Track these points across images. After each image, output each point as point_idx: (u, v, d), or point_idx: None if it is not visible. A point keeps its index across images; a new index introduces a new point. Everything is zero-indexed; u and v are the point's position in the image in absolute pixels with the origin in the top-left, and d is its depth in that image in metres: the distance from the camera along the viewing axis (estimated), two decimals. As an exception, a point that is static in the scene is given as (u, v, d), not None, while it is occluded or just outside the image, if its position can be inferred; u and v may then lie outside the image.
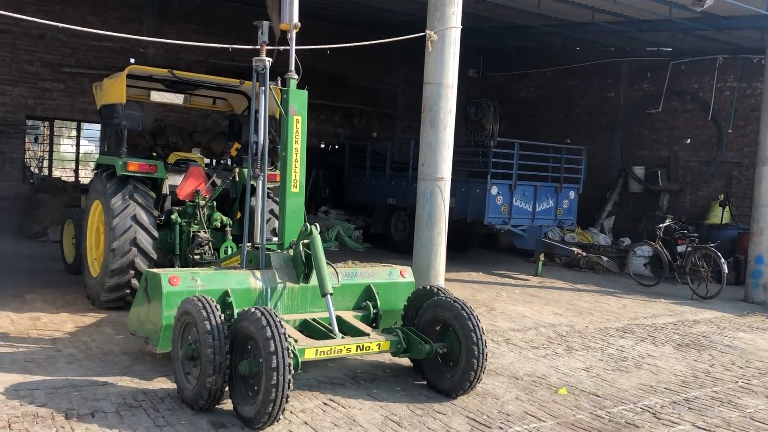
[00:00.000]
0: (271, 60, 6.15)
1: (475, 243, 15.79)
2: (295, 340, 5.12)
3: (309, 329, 5.74)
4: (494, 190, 13.06)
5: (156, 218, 7.62)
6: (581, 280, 12.69)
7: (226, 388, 4.80)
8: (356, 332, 5.71)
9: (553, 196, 14.05)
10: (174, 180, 8.12)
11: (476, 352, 5.36)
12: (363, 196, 16.15)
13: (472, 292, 10.58)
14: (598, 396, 5.87)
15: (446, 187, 7.40)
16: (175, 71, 8.18)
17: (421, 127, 7.44)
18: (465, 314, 5.46)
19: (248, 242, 6.29)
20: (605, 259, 14.33)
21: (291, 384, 4.47)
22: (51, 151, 16.13)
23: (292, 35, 6.21)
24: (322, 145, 19.26)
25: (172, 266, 7.81)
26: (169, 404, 4.98)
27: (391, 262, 6.98)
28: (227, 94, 9.42)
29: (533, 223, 13.67)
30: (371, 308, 6.19)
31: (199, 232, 7.94)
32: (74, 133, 17.47)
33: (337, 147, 18.54)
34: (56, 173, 16.66)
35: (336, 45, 7.45)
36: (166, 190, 8.01)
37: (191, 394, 4.84)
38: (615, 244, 15.34)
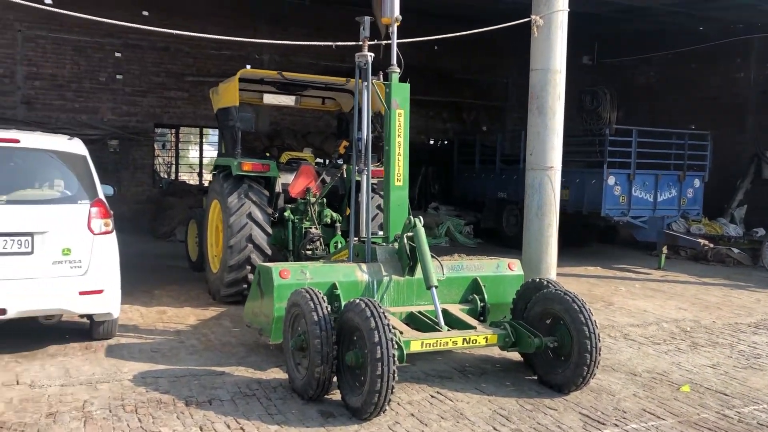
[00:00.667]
0: (373, 55, 6.20)
1: (593, 237, 15.19)
2: (401, 332, 5.13)
3: (415, 322, 5.73)
4: (611, 180, 12.51)
5: (270, 215, 7.89)
6: (709, 274, 11.89)
7: (335, 379, 4.89)
8: (463, 325, 5.64)
9: (675, 185, 13.26)
10: (286, 178, 8.38)
11: (589, 346, 5.14)
12: (473, 191, 15.99)
13: (589, 287, 10.18)
14: (726, 395, 5.47)
15: (556, 176, 7.16)
16: (284, 72, 8.43)
17: (528, 115, 7.25)
18: (576, 307, 5.25)
19: (355, 236, 6.38)
20: (736, 251, 13.35)
21: (396, 375, 4.48)
22: (177, 157, 17.14)
23: (394, 29, 6.23)
24: (431, 142, 19.26)
25: (286, 261, 8.06)
26: (281, 393, 5.13)
27: (502, 257, 6.85)
28: (335, 93, 9.60)
29: (654, 214, 12.97)
30: (478, 301, 6.09)
31: (311, 228, 8.15)
32: (198, 138, 18.47)
33: (446, 142, 18.47)
34: (182, 177, 17.70)
35: (441, 36, 7.42)
36: (278, 188, 8.28)
37: (301, 384, 4.97)
38: (747, 235, 14.26)
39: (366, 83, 6.20)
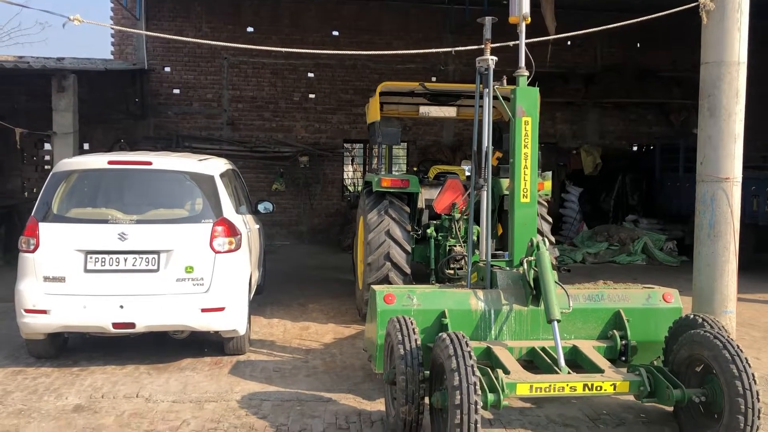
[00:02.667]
0: (495, 59, 5.63)
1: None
2: (507, 372, 4.50)
3: (537, 359, 5.04)
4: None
5: (410, 233, 7.58)
6: None
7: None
8: (591, 367, 4.83)
9: None
10: (432, 194, 8.02)
11: (742, 406, 4.08)
12: (677, 202, 14.21)
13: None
14: None
15: (734, 189, 5.94)
16: (426, 83, 8.09)
17: (698, 117, 6.11)
18: (727, 355, 4.21)
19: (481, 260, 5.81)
20: None
21: (478, 425, 3.89)
22: (364, 171, 17.55)
23: (522, 28, 5.60)
24: (635, 148, 17.60)
25: (428, 280, 7.68)
26: (378, 429, 4.77)
27: (658, 286, 5.83)
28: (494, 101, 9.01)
29: None
30: (618, 339, 5.21)
31: (455, 246, 7.69)
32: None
33: (651, 148, 16.74)
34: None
35: (575, 32, 6.56)
36: (421, 204, 7.94)
37: (392, 422, 4.58)
38: None
39: (487, 90, 5.64)
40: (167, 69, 15.69)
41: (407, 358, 4.33)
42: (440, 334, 4.35)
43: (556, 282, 5.13)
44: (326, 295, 9.48)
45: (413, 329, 4.51)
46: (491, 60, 5.59)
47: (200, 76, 15.79)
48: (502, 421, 4.96)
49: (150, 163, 5.97)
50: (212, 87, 15.86)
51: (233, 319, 5.99)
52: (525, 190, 5.54)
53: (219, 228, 5.89)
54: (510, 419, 5.01)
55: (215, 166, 6.41)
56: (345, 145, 16.86)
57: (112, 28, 15.36)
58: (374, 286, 5.45)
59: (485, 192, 5.67)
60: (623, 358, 5.19)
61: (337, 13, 16.01)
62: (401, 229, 7.48)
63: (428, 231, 7.82)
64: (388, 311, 5.13)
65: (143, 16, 14.96)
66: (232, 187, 6.84)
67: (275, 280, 10.24)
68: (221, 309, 5.83)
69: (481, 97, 5.71)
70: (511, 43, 5.93)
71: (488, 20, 5.69)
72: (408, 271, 7.44)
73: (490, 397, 4.24)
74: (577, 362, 4.97)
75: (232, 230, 6.01)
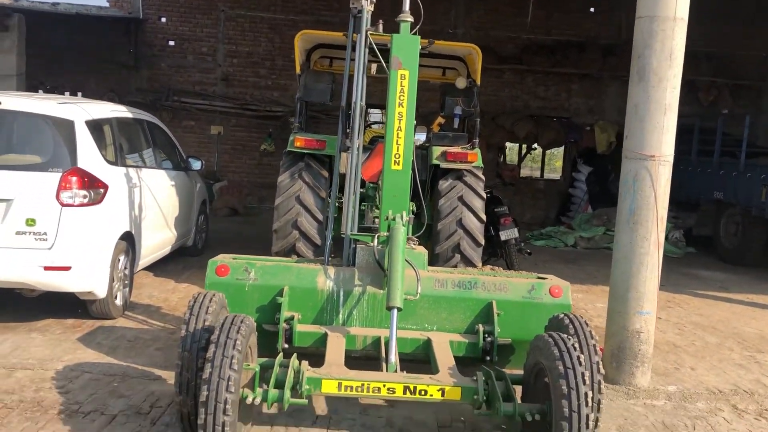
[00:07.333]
0: (371, 0, 4.82)
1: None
2: (311, 363, 3.79)
3: (379, 352, 4.31)
4: None
5: (325, 201, 6.85)
6: None
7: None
8: (434, 366, 4.10)
9: None
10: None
11: (565, 412, 3.26)
12: (690, 189, 12.94)
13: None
14: None
15: (660, 170, 4.99)
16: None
17: (629, 83, 5.16)
18: (560, 367, 3.38)
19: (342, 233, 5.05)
20: None
21: (226, 428, 3.20)
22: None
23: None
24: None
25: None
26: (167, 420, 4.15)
27: (713, 275, 4.99)
28: (456, 63, 8.14)
29: None
30: (482, 334, 4.42)
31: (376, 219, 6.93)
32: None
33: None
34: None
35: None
36: (343, 169, 7.18)
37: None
38: None
39: (360, 35, 4.84)
40: (163, 19, 15.20)
41: (186, 342, 3.67)
42: (224, 316, 3.66)
43: (409, 263, 4.38)
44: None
45: (207, 308, 3.83)
46: (366, 1, 4.78)
47: (196, 29, 15.25)
48: (330, 421, 4.27)
49: (-2, 103, 5.41)
50: (208, 40, 15.30)
51: (85, 280, 5.44)
52: (397, 156, 4.77)
53: (71, 178, 5.31)
54: (343, 418, 4.32)
55: (84, 110, 5.80)
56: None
57: (108, -26, 14.96)
58: (214, 258, 4.75)
59: (352, 155, 4.90)
60: (488, 358, 4.42)
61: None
62: (314, 195, 6.75)
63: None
64: (218, 284, 4.48)
65: (139, -37, 14.49)
66: (116, 136, 6.23)
67: (233, 244, 9.67)
68: (66, 268, 5.28)
69: (354, 48, 4.91)
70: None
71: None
72: (319, 242, 6.72)
73: (272, 394, 3.57)
74: (417, 359, 4.25)
75: (89, 182, 5.42)
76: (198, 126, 15.29)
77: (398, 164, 4.75)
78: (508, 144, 16.85)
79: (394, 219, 4.50)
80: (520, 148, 17.25)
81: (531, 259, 9.75)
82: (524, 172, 17.80)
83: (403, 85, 4.70)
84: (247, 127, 15.36)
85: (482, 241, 6.69)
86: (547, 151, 17.81)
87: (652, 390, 5.11)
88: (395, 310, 4.10)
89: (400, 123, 4.72)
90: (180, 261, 8.50)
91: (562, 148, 17.12)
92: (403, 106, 4.71)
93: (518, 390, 3.90)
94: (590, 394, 3.32)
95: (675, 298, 8.48)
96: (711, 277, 10.16)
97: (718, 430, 4.51)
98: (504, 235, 8.59)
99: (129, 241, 6.15)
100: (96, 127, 5.81)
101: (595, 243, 12.53)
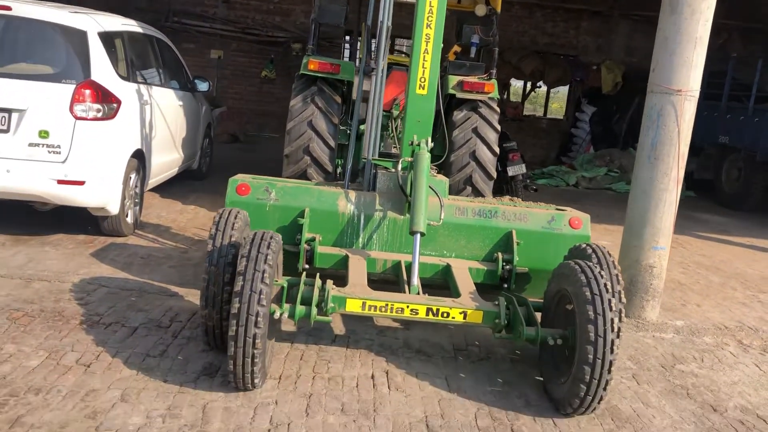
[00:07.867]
0: None
1: None
2: (334, 283, 3.81)
3: (399, 275, 4.34)
4: None
5: (337, 126, 6.75)
6: None
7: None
8: (454, 290, 4.14)
9: None
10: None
11: (590, 355, 3.34)
12: (692, 132, 12.86)
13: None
14: None
15: (686, 105, 4.95)
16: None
17: (660, 14, 5.05)
18: (587, 293, 3.42)
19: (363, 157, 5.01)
20: None
21: (257, 340, 3.24)
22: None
23: None
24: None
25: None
26: (200, 333, 4.17)
27: (714, 219, 5.00)
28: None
29: None
30: (501, 262, 4.45)
31: (392, 147, 6.86)
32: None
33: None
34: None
35: None
36: (355, 95, 7.06)
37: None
38: None
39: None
40: (165, -66, 14.64)
41: (213, 256, 3.67)
42: (252, 232, 3.64)
43: (432, 189, 4.36)
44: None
45: (233, 224, 3.82)
46: None
47: (198, -54, 14.72)
48: (349, 340, 4.32)
49: (9, 8, 5.20)
50: (209, -41, 14.80)
51: (98, 196, 5.39)
52: (422, 80, 4.68)
53: (85, 91, 5.19)
54: (360, 338, 4.37)
55: (96, 21, 5.62)
56: (346, 36, 15.75)
57: None
58: (234, 177, 4.70)
59: (376, 78, 4.80)
60: (506, 285, 4.46)
61: None
62: (327, 121, 6.64)
63: (361, 128, 6.98)
64: (239, 203, 4.46)
65: None
66: (127, 51, 6.07)
67: (234, 169, 9.55)
68: (81, 183, 5.22)
69: None
70: None
71: None
72: (330, 168, 6.67)
73: (300, 310, 3.60)
74: (438, 284, 4.28)
75: (103, 96, 5.30)
76: (197, 49, 14.91)
77: (423, 89, 4.66)
78: (512, 81, 16.63)
79: (418, 145, 4.44)
80: (525, 86, 17.04)
81: (534, 196, 9.75)
82: (526, 110, 17.60)
83: (432, 5, 4.57)
84: (248, 52, 15.03)
85: (494, 175, 6.66)
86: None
87: (661, 324, 5.19)
88: (418, 235, 4.11)
89: (426, 46, 4.60)
90: (186, 184, 8.44)
91: (563, 90, 16.93)
92: (431, 28, 4.59)
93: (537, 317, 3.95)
94: (615, 320, 3.36)
95: (678, 239, 8.54)
96: (712, 220, 10.24)
97: (725, 363, 4.62)
98: (512, 171, 8.57)
99: (140, 159, 6.07)
100: (108, 39, 5.65)
101: (596, 183, 12.55)
